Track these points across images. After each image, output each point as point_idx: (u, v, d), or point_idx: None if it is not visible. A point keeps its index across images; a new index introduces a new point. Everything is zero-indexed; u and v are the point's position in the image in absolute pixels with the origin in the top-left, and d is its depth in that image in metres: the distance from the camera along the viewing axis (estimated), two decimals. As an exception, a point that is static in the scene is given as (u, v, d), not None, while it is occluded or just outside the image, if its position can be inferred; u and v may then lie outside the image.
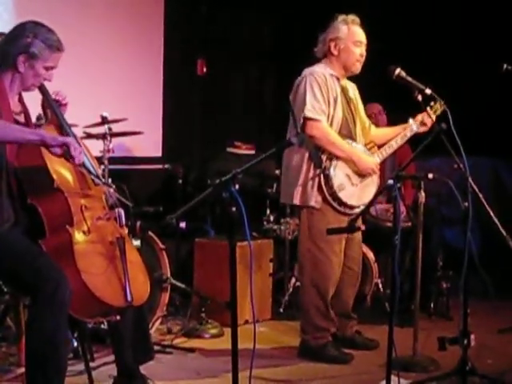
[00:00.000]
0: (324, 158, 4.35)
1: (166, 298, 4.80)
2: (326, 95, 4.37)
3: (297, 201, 4.41)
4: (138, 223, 4.59)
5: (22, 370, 3.21)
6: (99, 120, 4.81)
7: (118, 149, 5.07)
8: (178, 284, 4.94)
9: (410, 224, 4.93)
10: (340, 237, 4.39)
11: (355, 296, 4.72)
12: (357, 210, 4.38)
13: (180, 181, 5.85)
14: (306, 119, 4.31)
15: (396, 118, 5.07)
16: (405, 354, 4.13)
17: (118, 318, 3.35)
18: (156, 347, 4.22)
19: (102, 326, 4.24)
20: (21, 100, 3.42)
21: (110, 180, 4.46)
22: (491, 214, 3.91)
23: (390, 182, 3.57)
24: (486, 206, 3.90)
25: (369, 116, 5.09)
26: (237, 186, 3.02)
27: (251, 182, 5.68)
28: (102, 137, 4.78)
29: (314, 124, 4.32)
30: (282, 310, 5.46)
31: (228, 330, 3.62)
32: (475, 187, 3.85)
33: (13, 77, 3.29)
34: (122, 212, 3.58)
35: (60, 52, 3.33)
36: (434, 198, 5.35)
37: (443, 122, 3.87)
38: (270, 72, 7.46)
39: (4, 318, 3.72)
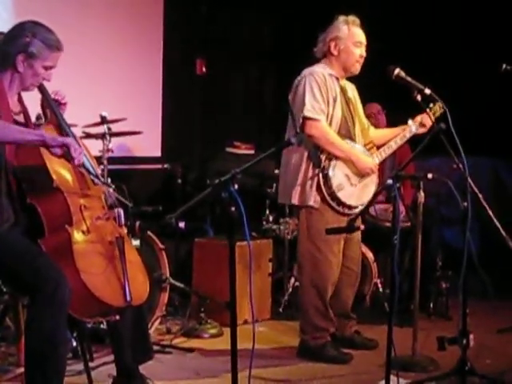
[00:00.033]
0: (323, 157, 4.36)
1: (165, 297, 4.80)
2: (325, 95, 4.37)
3: (295, 200, 4.41)
4: (138, 223, 4.59)
5: (22, 369, 3.22)
6: (98, 120, 4.81)
7: (117, 149, 5.07)
8: (178, 284, 4.94)
9: (409, 224, 4.93)
10: (339, 237, 4.39)
11: (354, 296, 4.72)
12: (356, 210, 4.38)
13: (179, 181, 5.85)
14: (305, 119, 4.31)
15: (395, 118, 5.08)
16: (404, 354, 4.13)
17: (118, 317, 3.35)
18: (155, 347, 4.23)
19: (102, 325, 4.25)
20: (20, 100, 3.41)
21: (109, 180, 4.46)
22: (490, 214, 3.91)
23: (389, 181, 3.57)
24: (486, 205, 3.90)
25: (368, 116, 5.09)
26: (236, 186, 3.01)
27: (251, 182, 5.68)
28: (102, 136, 4.78)
29: (313, 123, 4.32)
30: (281, 310, 5.46)
31: (227, 330, 3.61)
32: (474, 187, 3.85)
33: (12, 76, 3.30)
34: (122, 212, 3.58)
35: (59, 51, 3.33)
36: (434, 198, 5.35)
37: (442, 122, 3.88)
38: (269, 72, 7.46)
39: (3, 317, 3.71)
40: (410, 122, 4.60)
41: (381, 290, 5.43)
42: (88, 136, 4.81)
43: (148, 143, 6.14)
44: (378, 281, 5.43)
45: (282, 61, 7.10)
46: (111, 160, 4.86)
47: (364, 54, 4.47)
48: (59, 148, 3.14)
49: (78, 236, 3.29)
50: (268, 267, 5.47)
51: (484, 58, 6.15)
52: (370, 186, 4.48)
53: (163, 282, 4.77)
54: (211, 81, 6.77)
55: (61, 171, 3.36)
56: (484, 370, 3.97)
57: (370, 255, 5.34)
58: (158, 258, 4.79)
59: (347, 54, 4.44)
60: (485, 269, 4.38)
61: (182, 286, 5.00)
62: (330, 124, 4.38)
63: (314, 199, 4.35)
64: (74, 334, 3.99)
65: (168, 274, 4.80)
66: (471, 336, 3.86)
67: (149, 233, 4.75)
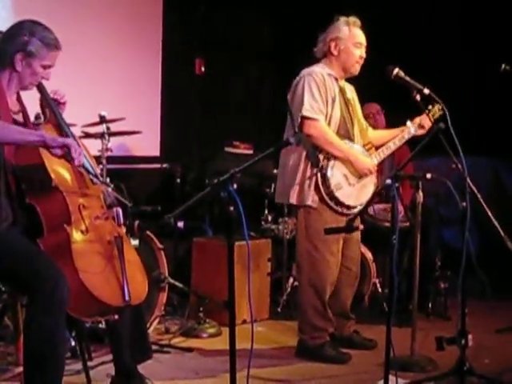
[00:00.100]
0: (321, 157, 4.36)
1: (163, 297, 4.80)
2: (324, 95, 4.37)
3: (293, 200, 4.41)
4: (136, 222, 4.59)
5: (20, 369, 3.21)
6: (98, 119, 4.81)
7: (116, 148, 5.07)
8: (176, 283, 4.94)
9: (408, 224, 4.92)
10: (337, 237, 4.39)
11: (353, 296, 4.72)
12: (354, 210, 4.38)
13: (178, 180, 5.85)
14: (304, 118, 4.32)
15: (394, 118, 5.08)
16: (403, 354, 4.14)
17: (116, 317, 3.35)
18: (154, 347, 4.22)
19: (100, 325, 4.25)
20: (19, 99, 3.42)
21: (108, 179, 4.47)
22: (489, 214, 3.91)
23: (388, 181, 3.57)
24: (485, 206, 3.90)
25: (367, 116, 5.09)
26: (235, 186, 3.01)
27: (249, 182, 5.68)
28: (101, 136, 4.78)
29: (311, 123, 4.32)
30: (279, 310, 5.46)
31: (226, 330, 3.61)
32: (473, 187, 3.85)
33: (10, 76, 3.30)
34: (120, 211, 3.58)
35: (57, 50, 3.33)
36: (432, 198, 5.36)
37: (441, 122, 3.88)
38: (269, 72, 7.45)
39: (2, 317, 3.71)
40: (408, 123, 4.60)
41: (380, 289, 5.43)
42: (87, 135, 4.81)
43: (147, 143, 6.14)
44: (377, 281, 5.43)
45: (281, 61, 7.09)
46: (110, 159, 4.86)
47: (364, 55, 4.48)
48: (60, 149, 3.14)
49: (76, 235, 3.29)
50: (267, 267, 5.47)
51: (483, 57, 6.15)
52: (369, 186, 4.48)
53: (162, 282, 4.77)
54: (210, 81, 6.76)
55: (60, 170, 3.36)
56: (482, 370, 3.97)
57: (368, 255, 5.34)
58: (157, 258, 4.79)
59: (347, 54, 4.44)
60: (483, 269, 4.38)
61: (180, 285, 5.00)
62: (329, 124, 4.38)
63: (312, 199, 4.35)
64: (73, 334, 3.99)
65: (167, 274, 4.80)
66: (470, 336, 3.86)
67: (148, 232, 4.74)
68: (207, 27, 6.74)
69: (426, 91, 4.10)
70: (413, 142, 4.53)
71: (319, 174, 4.34)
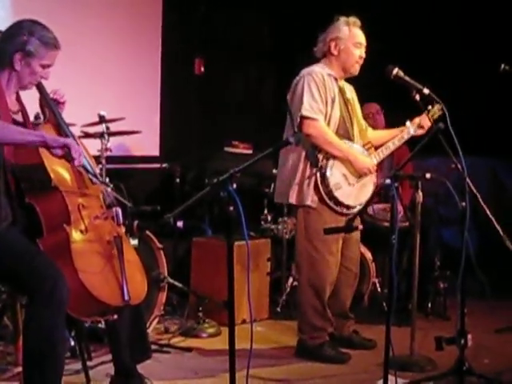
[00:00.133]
0: (320, 157, 4.36)
1: (163, 297, 4.80)
2: (323, 95, 4.37)
3: (293, 200, 4.41)
4: (136, 222, 4.58)
5: (20, 369, 3.21)
6: (97, 119, 4.81)
7: (115, 148, 5.06)
8: (176, 283, 4.93)
9: (407, 224, 4.93)
10: (337, 236, 4.39)
11: (353, 295, 4.72)
12: (354, 210, 4.38)
13: (178, 180, 5.84)
14: (303, 118, 4.32)
15: (394, 117, 5.07)
16: (402, 354, 4.14)
17: (116, 317, 3.35)
18: (153, 346, 4.22)
19: (100, 325, 4.24)
20: (18, 99, 3.41)
21: (107, 179, 4.46)
22: (489, 214, 3.91)
23: (388, 181, 3.57)
24: (484, 206, 3.90)
25: (366, 116, 5.09)
26: (234, 186, 3.01)
27: (249, 182, 5.68)
28: (100, 136, 4.78)
29: (311, 123, 4.32)
30: (279, 310, 5.45)
31: (225, 330, 3.61)
32: (473, 187, 3.86)
33: (10, 75, 3.30)
34: (120, 211, 3.58)
35: (56, 50, 3.33)
36: (432, 198, 5.36)
37: (441, 122, 3.88)
38: (268, 72, 7.45)
39: (1, 316, 3.72)
40: (408, 123, 4.60)
41: (379, 289, 5.43)
42: (86, 135, 4.81)
43: (146, 143, 6.14)
44: (376, 280, 5.43)
45: (281, 61, 7.09)
46: (109, 159, 4.86)
47: (364, 55, 4.48)
48: (60, 149, 3.14)
49: (76, 235, 3.29)
50: (266, 267, 5.47)
51: (483, 57, 6.15)
52: (368, 185, 4.48)
53: (161, 282, 4.77)
54: (210, 81, 6.76)
55: (59, 170, 3.36)
56: (482, 370, 3.97)
57: (368, 255, 5.35)
58: (156, 258, 4.79)
59: (347, 54, 4.45)
60: (483, 269, 4.38)
61: (180, 285, 4.99)
62: (328, 124, 4.38)
63: (311, 199, 4.35)
64: (72, 334, 3.99)
65: (166, 274, 4.80)
66: (469, 336, 3.86)
67: (147, 232, 4.74)
68: (207, 27, 6.74)
69: (426, 91, 4.10)
70: (412, 141, 4.53)
71: (318, 174, 4.34)
